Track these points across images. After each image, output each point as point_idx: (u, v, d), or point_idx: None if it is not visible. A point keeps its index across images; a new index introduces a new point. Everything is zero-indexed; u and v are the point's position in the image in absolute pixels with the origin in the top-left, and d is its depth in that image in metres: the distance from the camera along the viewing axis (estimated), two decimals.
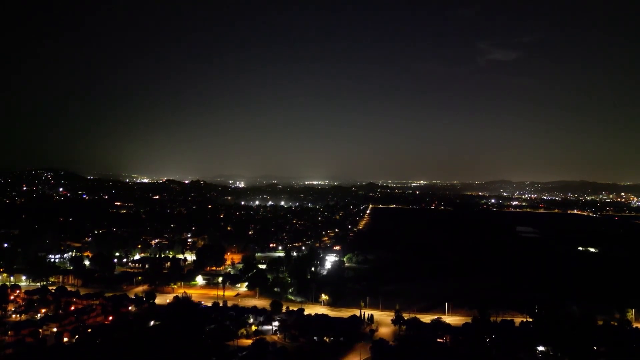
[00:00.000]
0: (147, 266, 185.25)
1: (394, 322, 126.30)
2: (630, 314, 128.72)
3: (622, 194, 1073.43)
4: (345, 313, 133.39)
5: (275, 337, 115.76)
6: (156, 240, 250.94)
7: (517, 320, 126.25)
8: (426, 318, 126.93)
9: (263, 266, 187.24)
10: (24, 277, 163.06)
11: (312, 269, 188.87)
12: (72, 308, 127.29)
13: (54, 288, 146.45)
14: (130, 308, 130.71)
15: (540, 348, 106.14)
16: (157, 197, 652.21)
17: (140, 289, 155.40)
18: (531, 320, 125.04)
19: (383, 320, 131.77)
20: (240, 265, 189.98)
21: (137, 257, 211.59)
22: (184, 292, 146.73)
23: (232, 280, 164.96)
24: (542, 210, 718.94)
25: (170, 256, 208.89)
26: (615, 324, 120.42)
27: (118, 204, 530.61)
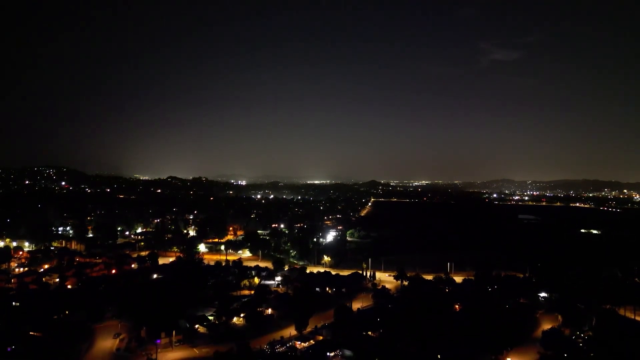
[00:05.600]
0: (149, 237, 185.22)
1: (396, 277, 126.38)
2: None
3: (625, 191, 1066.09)
4: (347, 273, 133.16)
5: (278, 289, 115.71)
6: (158, 220, 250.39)
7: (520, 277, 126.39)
8: (428, 277, 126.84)
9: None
10: (26, 243, 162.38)
11: (315, 239, 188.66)
12: (75, 264, 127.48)
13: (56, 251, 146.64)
14: (133, 266, 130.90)
15: (543, 294, 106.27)
16: (159, 191, 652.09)
17: (143, 253, 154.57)
18: (533, 275, 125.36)
19: (385, 279, 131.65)
20: (243, 238, 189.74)
21: (139, 230, 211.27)
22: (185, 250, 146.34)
23: (234, 246, 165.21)
24: (544, 203, 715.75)
25: (173, 229, 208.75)
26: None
27: (121, 196, 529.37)
